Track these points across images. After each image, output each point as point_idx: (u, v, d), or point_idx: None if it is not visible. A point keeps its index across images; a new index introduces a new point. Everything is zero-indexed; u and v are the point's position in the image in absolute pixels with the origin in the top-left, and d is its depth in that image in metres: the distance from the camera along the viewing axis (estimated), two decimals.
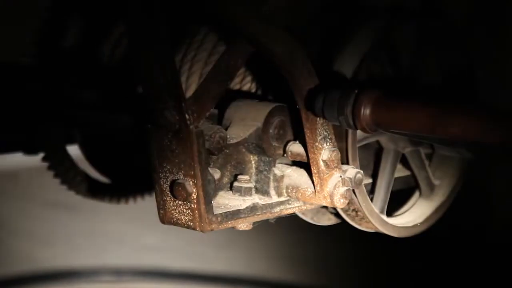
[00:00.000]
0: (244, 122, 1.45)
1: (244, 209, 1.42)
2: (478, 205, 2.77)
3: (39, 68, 1.88)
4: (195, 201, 1.35)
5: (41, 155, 1.94)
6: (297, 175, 1.46)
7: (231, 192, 1.44)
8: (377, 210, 1.60)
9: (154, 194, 1.41)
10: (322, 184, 1.43)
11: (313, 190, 1.44)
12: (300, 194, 1.46)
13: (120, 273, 2.69)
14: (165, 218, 1.39)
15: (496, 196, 2.68)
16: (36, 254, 2.77)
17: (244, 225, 1.44)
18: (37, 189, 3.33)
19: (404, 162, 1.71)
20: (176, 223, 1.39)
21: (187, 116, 1.33)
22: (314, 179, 1.44)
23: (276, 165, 1.47)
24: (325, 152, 1.42)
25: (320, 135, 1.42)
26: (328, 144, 1.43)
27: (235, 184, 1.44)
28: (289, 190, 1.46)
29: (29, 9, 1.90)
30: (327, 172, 1.43)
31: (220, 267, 2.74)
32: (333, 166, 1.43)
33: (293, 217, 1.58)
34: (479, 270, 2.71)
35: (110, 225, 3.02)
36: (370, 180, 1.66)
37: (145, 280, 2.66)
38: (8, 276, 2.63)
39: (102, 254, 2.79)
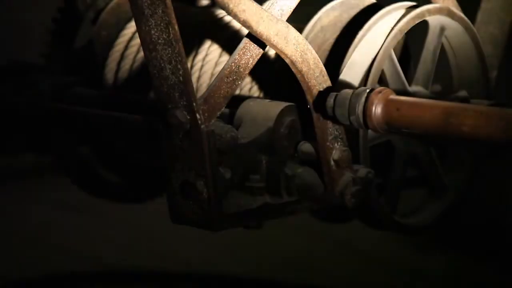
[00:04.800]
0: (255, 122, 1.45)
1: (254, 208, 1.42)
2: (493, 206, 2.77)
3: (48, 67, 1.89)
4: (206, 200, 1.35)
5: (53, 155, 1.95)
6: (308, 175, 1.46)
7: (242, 191, 1.44)
8: (388, 210, 1.60)
9: (165, 194, 1.42)
10: (333, 184, 1.43)
11: (324, 190, 1.44)
12: (311, 193, 1.46)
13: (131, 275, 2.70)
14: (176, 217, 1.40)
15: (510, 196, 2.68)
16: (52, 258, 2.78)
17: (254, 225, 1.44)
18: (49, 189, 3.33)
19: (416, 161, 1.71)
20: (187, 223, 1.39)
21: (198, 116, 1.33)
22: (325, 179, 1.44)
23: (287, 164, 1.47)
24: (336, 152, 1.43)
25: (331, 135, 1.42)
26: (339, 144, 1.43)
27: (246, 183, 1.44)
28: (300, 190, 1.46)
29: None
30: (338, 172, 1.43)
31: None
32: (344, 166, 1.43)
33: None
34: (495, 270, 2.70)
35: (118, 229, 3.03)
36: (381, 180, 1.66)
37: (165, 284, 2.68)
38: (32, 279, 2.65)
39: (111, 258, 2.80)
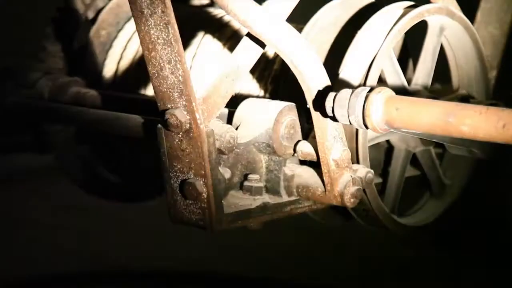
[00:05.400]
0: (255, 122, 1.45)
1: (254, 208, 1.42)
2: (490, 205, 2.77)
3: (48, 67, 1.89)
4: (205, 200, 1.35)
5: (52, 155, 1.95)
6: (307, 175, 1.46)
7: (241, 191, 1.44)
8: (387, 210, 1.60)
9: (164, 194, 1.42)
10: (332, 184, 1.43)
11: (324, 189, 1.44)
12: (310, 193, 1.46)
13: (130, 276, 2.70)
14: (175, 217, 1.40)
15: (509, 196, 2.68)
16: (52, 258, 2.78)
17: (254, 224, 1.44)
18: (49, 189, 3.33)
19: (415, 161, 1.71)
20: (186, 223, 1.39)
21: (197, 116, 1.33)
22: (324, 178, 1.44)
23: (287, 164, 1.47)
24: (336, 152, 1.42)
25: (331, 135, 1.42)
26: (338, 143, 1.43)
27: (246, 183, 1.44)
28: (299, 190, 1.46)
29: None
30: (337, 171, 1.43)
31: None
32: (343, 166, 1.43)
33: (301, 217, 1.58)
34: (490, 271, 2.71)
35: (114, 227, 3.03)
36: (380, 180, 1.66)
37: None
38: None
39: (111, 258, 2.80)
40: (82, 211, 3.07)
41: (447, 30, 1.64)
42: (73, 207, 3.11)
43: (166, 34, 1.31)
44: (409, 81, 1.62)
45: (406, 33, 1.58)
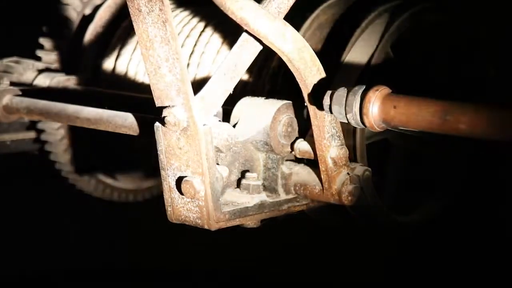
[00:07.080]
0: (252, 120, 1.45)
1: (252, 206, 1.42)
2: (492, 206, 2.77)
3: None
4: (203, 198, 1.35)
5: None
6: (305, 173, 1.46)
7: (239, 189, 1.44)
8: (385, 208, 1.60)
9: (162, 192, 1.42)
10: (330, 182, 1.43)
11: (321, 187, 1.44)
12: (308, 191, 1.46)
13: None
14: (173, 215, 1.40)
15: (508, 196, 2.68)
16: (52, 258, 2.78)
17: (252, 222, 1.44)
18: (49, 189, 3.33)
19: (413, 160, 1.71)
20: (184, 221, 1.39)
21: (195, 114, 1.33)
22: (322, 176, 1.44)
23: (284, 162, 1.47)
24: (333, 150, 1.42)
25: (328, 133, 1.42)
26: (336, 141, 1.43)
27: (243, 181, 1.44)
28: (297, 188, 1.46)
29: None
30: (335, 169, 1.43)
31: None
32: (341, 164, 1.43)
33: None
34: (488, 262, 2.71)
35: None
36: (378, 178, 1.65)
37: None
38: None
39: (111, 258, 2.80)
40: (81, 211, 3.07)
41: (445, 28, 1.65)
42: (73, 207, 3.11)
43: (164, 32, 1.31)
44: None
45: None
